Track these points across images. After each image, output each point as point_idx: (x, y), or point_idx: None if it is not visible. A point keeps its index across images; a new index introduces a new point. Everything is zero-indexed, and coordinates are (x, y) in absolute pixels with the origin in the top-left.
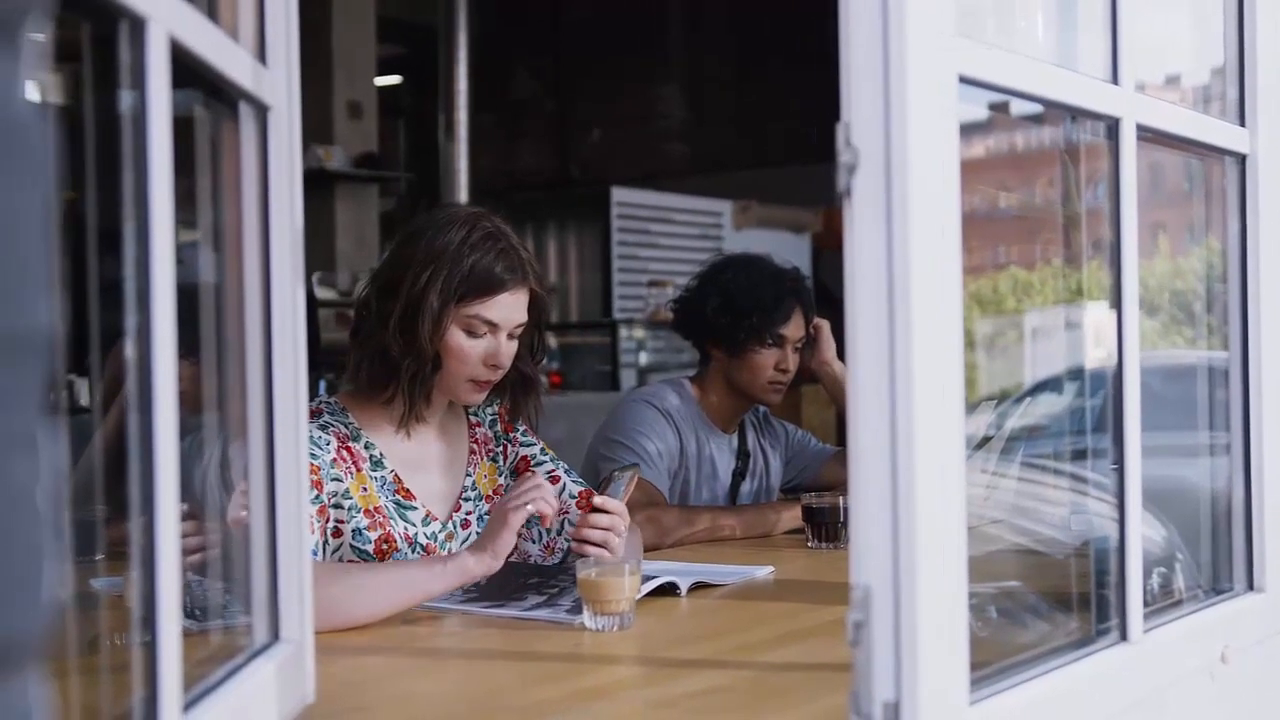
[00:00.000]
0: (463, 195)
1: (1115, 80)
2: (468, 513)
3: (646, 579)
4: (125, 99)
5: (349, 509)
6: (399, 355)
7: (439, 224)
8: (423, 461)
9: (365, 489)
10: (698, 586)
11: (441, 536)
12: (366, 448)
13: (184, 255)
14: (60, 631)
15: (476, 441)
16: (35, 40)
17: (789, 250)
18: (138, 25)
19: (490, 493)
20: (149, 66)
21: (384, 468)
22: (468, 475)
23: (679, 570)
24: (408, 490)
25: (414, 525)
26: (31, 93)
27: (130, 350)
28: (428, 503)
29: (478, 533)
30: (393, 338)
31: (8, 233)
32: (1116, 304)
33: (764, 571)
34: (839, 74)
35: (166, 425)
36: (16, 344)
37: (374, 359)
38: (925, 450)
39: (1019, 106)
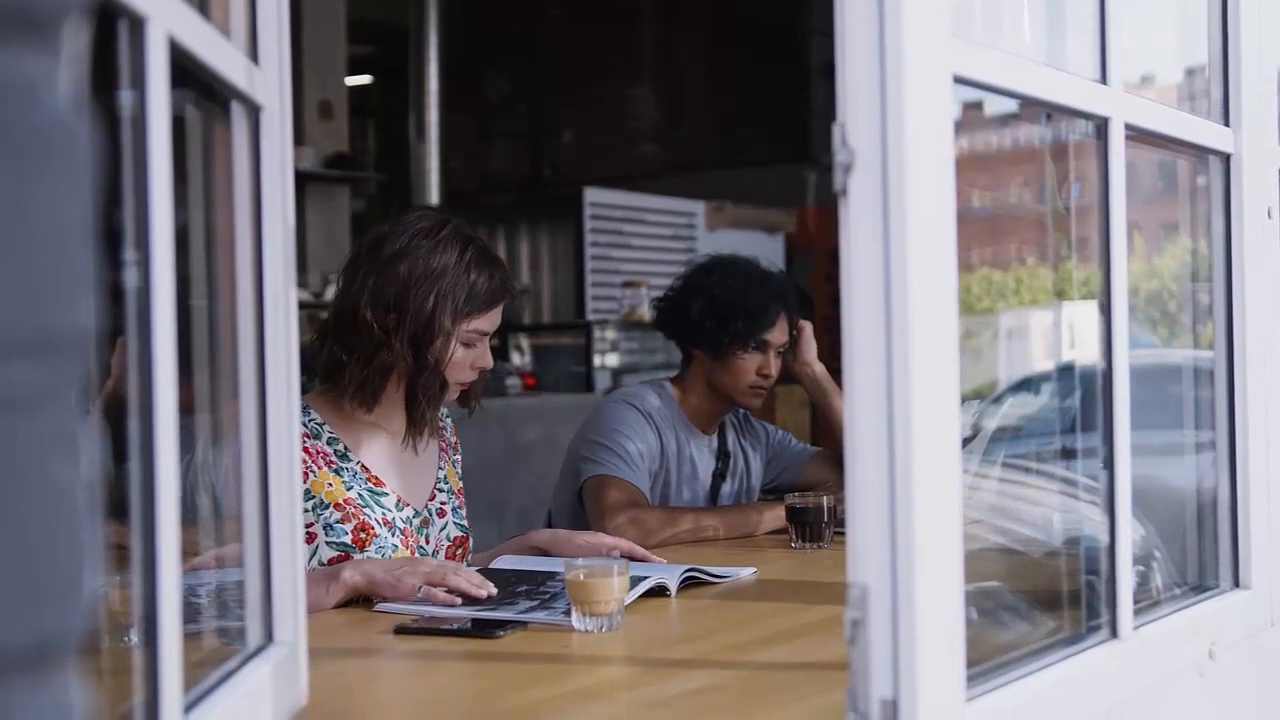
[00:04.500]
0: (434, 196)
1: (1104, 80)
2: (442, 503)
3: (636, 580)
4: (124, 98)
5: (313, 508)
6: (410, 374)
7: (424, 243)
8: (393, 454)
9: (331, 484)
10: (689, 582)
11: (416, 523)
12: (330, 443)
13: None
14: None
15: (444, 440)
16: (75, 40)
17: (762, 251)
18: (137, 24)
19: (456, 489)
20: (149, 66)
21: (351, 460)
22: (440, 469)
23: (665, 570)
24: (377, 478)
25: (389, 510)
26: (71, 92)
27: (130, 350)
28: (398, 490)
29: (454, 523)
30: (400, 357)
31: (50, 233)
32: (1106, 303)
33: (748, 573)
34: (811, 75)
35: (166, 428)
36: (59, 344)
37: (378, 372)
38: (923, 449)
39: (992, 105)
